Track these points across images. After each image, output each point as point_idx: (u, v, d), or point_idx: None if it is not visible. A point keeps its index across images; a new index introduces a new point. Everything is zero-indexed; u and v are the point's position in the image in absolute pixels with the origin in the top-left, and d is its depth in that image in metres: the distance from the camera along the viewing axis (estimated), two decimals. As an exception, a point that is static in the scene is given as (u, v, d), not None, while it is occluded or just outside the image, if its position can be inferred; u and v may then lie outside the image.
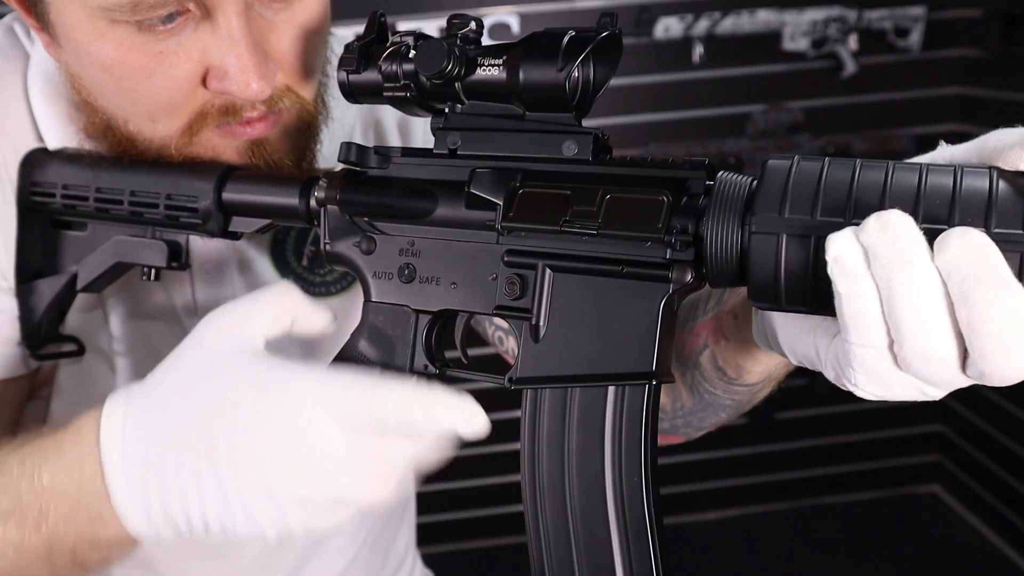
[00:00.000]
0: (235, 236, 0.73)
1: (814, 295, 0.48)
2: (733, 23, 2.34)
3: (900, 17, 2.39)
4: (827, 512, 2.76)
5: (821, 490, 2.78)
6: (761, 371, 0.70)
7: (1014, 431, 2.47)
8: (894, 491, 2.82)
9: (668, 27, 2.31)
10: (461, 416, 0.54)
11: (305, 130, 0.76)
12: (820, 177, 0.48)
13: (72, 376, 0.84)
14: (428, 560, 1.21)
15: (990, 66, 2.42)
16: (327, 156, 0.81)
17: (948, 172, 0.46)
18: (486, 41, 0.61)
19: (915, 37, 2.40)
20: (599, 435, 0.56)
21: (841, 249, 0.44)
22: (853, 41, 2.39)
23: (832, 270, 0.45)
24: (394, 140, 0.96)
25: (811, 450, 2.73)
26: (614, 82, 0.61)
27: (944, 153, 0.50)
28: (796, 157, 0.50)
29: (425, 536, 1.27)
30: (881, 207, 0.46)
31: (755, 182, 0.52)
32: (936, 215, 0.45)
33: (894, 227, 0.43)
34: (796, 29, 2.37)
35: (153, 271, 0.75)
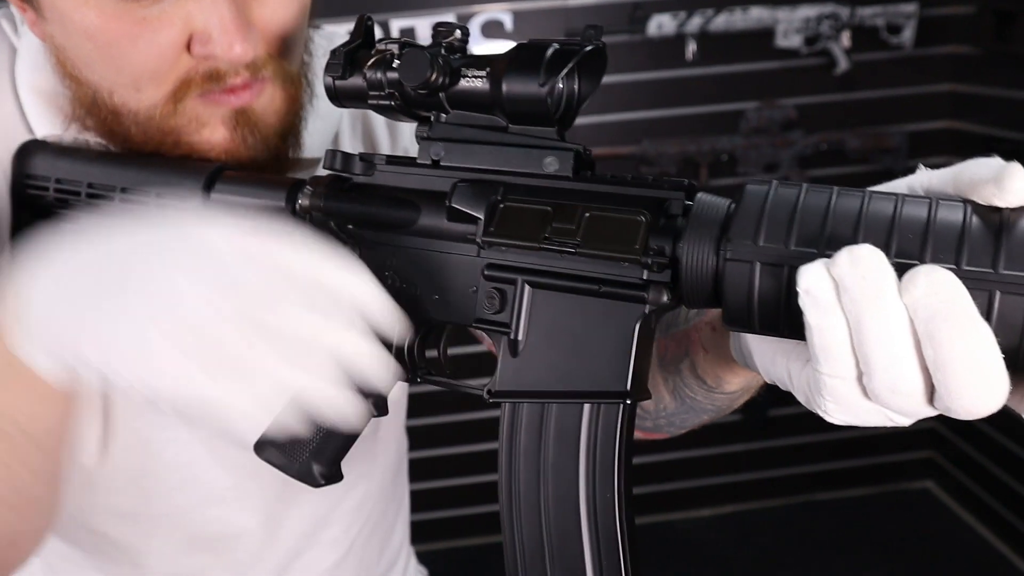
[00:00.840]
0: None
1: (787, 322, 0.49)
2: (726, 20, 2.34)
3: (892, 14, 2.40)
4: (821, 508, 2.77)
5: (815, 486, 2.79)
6: (739, 382, 0.71)
7: (1007, 427, 2.47)
8: (888, 487, 2.82)
9: (661, 24, 2.31)
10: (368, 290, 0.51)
11: (290, 102, 0.76)
12: (796, 205, 0.48)
13: None
14: (422, 557, 1.21)
15: (982, 63, 2.43)
16: (311, 147, 0.81)
17: (923, 204, 0.46)
18: (481, 43, 0.61)
19: (907, 34, 2.41)
20: (574, 450, 0.56)
21: (812, 282, 0.44)
22: (846, 38, 2.40)
23: (803, 301, 0.45)
24: (382, 134, 0.97)
25: (805, 446, 2.73)
26: (607, 79, 0.61)
27: (922, 179, 0.50)
28: (774, 183, 0.50)
29: (419, 533, 1.27)
30: (854, 239, 0.46)
31: (732, 205, 0.52)
32: (908, 249, 0.45)
33: (865, 262, 0.43)
34: (789, 26, 2.37)
35: None
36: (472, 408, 2.50)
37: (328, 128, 0.88)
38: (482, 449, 1.95)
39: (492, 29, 2.29)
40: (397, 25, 2.24)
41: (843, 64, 2.41)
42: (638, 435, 0.84)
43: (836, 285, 0.44)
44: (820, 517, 2.73)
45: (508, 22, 2.31)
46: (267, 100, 0.74)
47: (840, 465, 2.77)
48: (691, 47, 2.36)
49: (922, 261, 0.45)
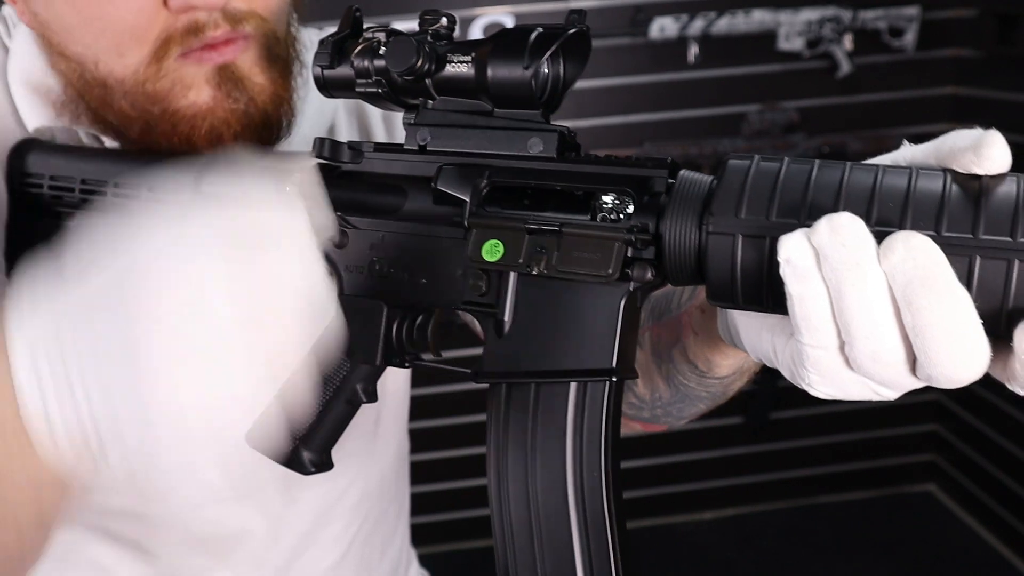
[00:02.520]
0: None
1: (770, 295, 0.49)
2: (728, 23, 2.34)
3: (895, 17, 2.40)
4: (823, 511, 2.76)
5: (817, 490, 2.79)
6: (730, 364, 0.71)
7: (1009, 430, 2.47)
8: (890, 490, 2.82)
9: (663, 27, 2.31)
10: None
11: (277, 61, 0.75)
12: (777, 177, 0.49)
13: None
14: (424, 560, 1.21)
15: (984, 66, 2.43)
16: (307, 140, 0.80)
17: (903, 174, 0.47)
18: (476, 34, 0.62)
19: (910, 37, 2.41)
20: (561, 430, 0.57)
21: (792, 251, 0.45)
22: (848, 41, 2.40)
23: (784, 271, 0.45)
24: (377, 127, 0.97)
25: (806, 450, 2.73)
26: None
27: (905, 153, 0.50)
28: (756, 157, 0.50)
29: (420, 536, 1.26)
30: (835, 209, 0.46)
31: (714, 181, 0.52)
32: (888, 218, 0.46)
33: (844, 230, 0.44)
34: (791, 29, 2.37)
35: None
36: (473, 411, 2.50)
37: (323, 122, 0.89)
38: (483, 452, 1.94)
39: (495, 32, 2.29)
40: (398, 27, 2.24)
41: (845, 67, 2.42)
42: (638, 427, 0.85)
43: (816, 254, 0.44)
44: (822, 520, 2.73)
45: (510, 25, 2.30)
46: (252, 58, 0.74)
47: (842, 468, 2.76)
48: (693, 50, 2.36)
49: (901, 228, 0.45)
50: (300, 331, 0.51)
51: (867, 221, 0.45)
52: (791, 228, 0.46)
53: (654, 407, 0.81)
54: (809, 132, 2.47)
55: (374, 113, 0.98)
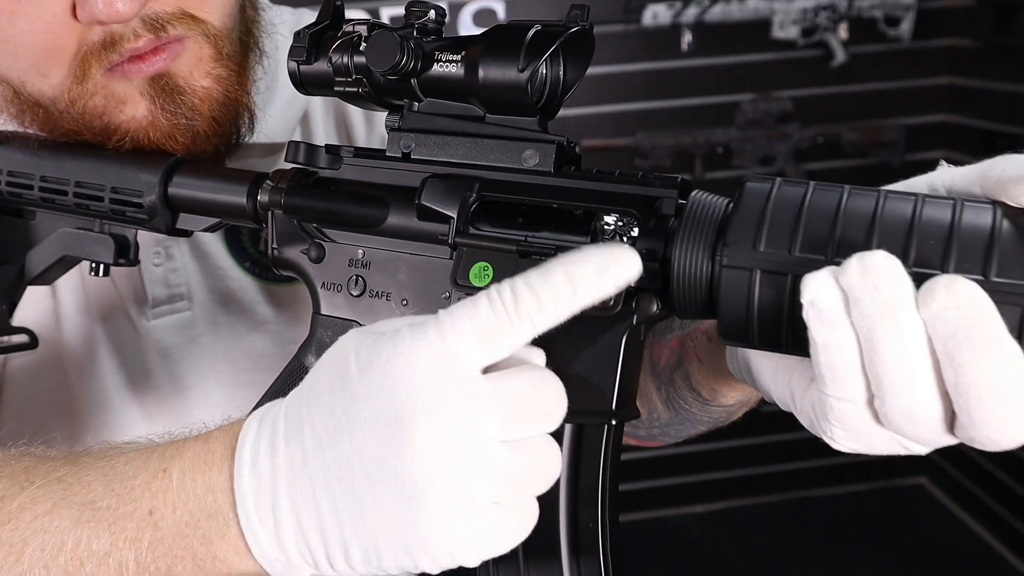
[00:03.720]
0: (185, 233, 0.69)
1: (790, 338, 0.44)
2: (722, 10, 2.31)
3: (891, 6, 2.37)
4: (815, 504, 2.75)
5: (808, 482, 2.78)
6: (737, 396, 0.67)
7: (1002, 423, 2.45)
8: (881, 483, 2.81)
9: (656, 14, 2.29)
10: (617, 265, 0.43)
11: (225, 57, 0.68)
12: (801, 205, 0.44)
13: (22, 372, 0.81)
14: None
15: (981, 56, 2.41)
16: (276, 130, 0.76)
17: (946, 206, 0.42)
18: (467, 27, 0.57)
19: (905, 26, 2.38)
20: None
21: (818, 292, 0.40)
22: (843, 30, 2.38)
23: (808, 315, 0.40)
24: (356, 117, 0.91)
25: (798, 443, 2.71)
26: (601, 70, 0.57)
27: (943, 177, 0.46)
28: (777, 181, 0.46)
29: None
30: (867, 245, 0.42)
31: (730, 205, 0.47)
32: (929, 257, 0.41)
33: (878, 271, 0.39)
34: (786, 17, 2.35)
35: (101, 267, 0.71)
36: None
37: (295, 110, 0.83)
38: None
39: (484, 18, 2.26)
40: (387, 14, 2.21)
41: (840, 56, 2.39)
42: (631, 441, 0.81)
43: (845, 296, 0.40)
44: (814, 513, 2.72)
45: (501, 11, 2.27)
46: (190, 62, 0.66)
47: (834, 461, 2.74)
48: (686, 38, 2.33)
49: (944, 271, 0.40)
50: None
51: (904, 261, 0.40)
52: (817, 265, 0.42)
53: (651, 427, 0.78)
54: (803, 122, 2.45)
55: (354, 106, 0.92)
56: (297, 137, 0.86)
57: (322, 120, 0.89)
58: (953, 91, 2.50)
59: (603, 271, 0.43)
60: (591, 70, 0.57)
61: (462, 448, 0.42)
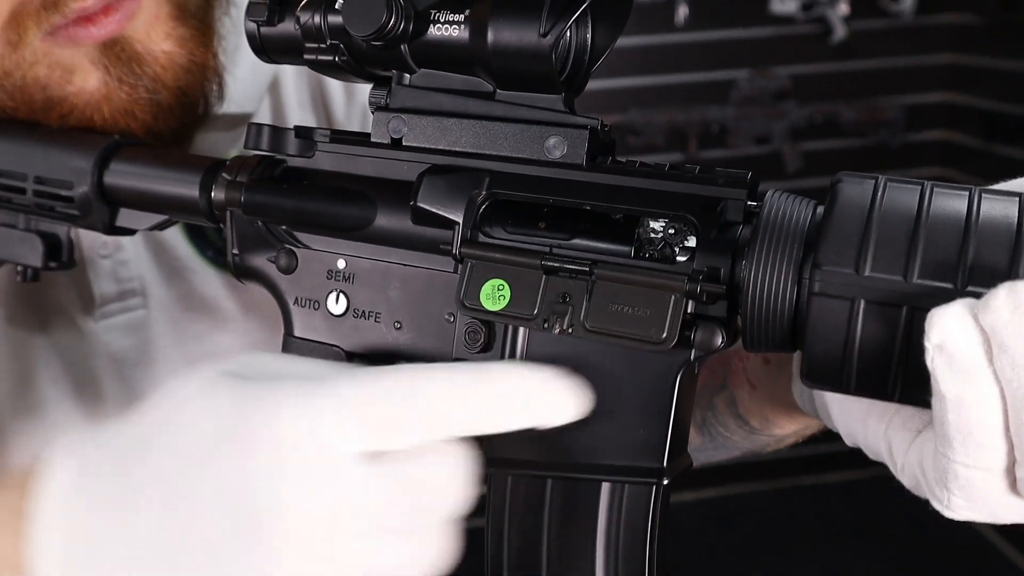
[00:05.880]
0: (128, 232, 0.60)
1: (900, 385, 0.36)
2: (719, -17, 2.27)
3: (893, -20, 2.33)
4: (805, 492, 2.73)
5: (800, 470, 2.75)
6: (795, 428, 0.58)
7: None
8: (875, 471, 2.72)
9: (651, -14, 2.23)
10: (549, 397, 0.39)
11: (189, 14, 0.59)
12: (920, 215, 0.35)
13: None
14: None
15: (985, 33, 2.36)
16: (242, 97, 0.66)
17: None
18: None
19: (907, 1, 2.35)
20: (589, 540, 0.43)
21: (950, 334, 0.32)
22: (843, 4, 2.34)
23: (934, 362, 0.32)
24: (336, 91, 0.80)
25: (792, 430, 2.69)
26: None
27: None
28: (882, 180, 0.37)
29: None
30: (1013, 271, 0.33)
31: (819, 210, 0.39)
32: None
33: None
34: (785, -9, 2.31)
35: (29, 271, 0.61)
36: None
37: (264, 74, 0.73)
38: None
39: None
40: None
41: (839, 32, 2.35)
42: None
43: (987, 339, 0.32)
44: (806, 502, 2.69)
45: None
46: (147, 23, 0.57)
47: (826, 448, 2.68)
48: (681, 11, 2.30)
49: None
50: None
51: None
52: (944, 297, 0.33)
53: None
54: (800, 100, 2.41)
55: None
56: (266, 108, 0.76)
57: (294, 87, 0.78)
58: (954, 70, 2.46)
59: (527, 408, 0.38)
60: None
61: (337, 556, 0.37)
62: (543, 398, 0.38)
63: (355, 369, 0.39)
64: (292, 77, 0.78)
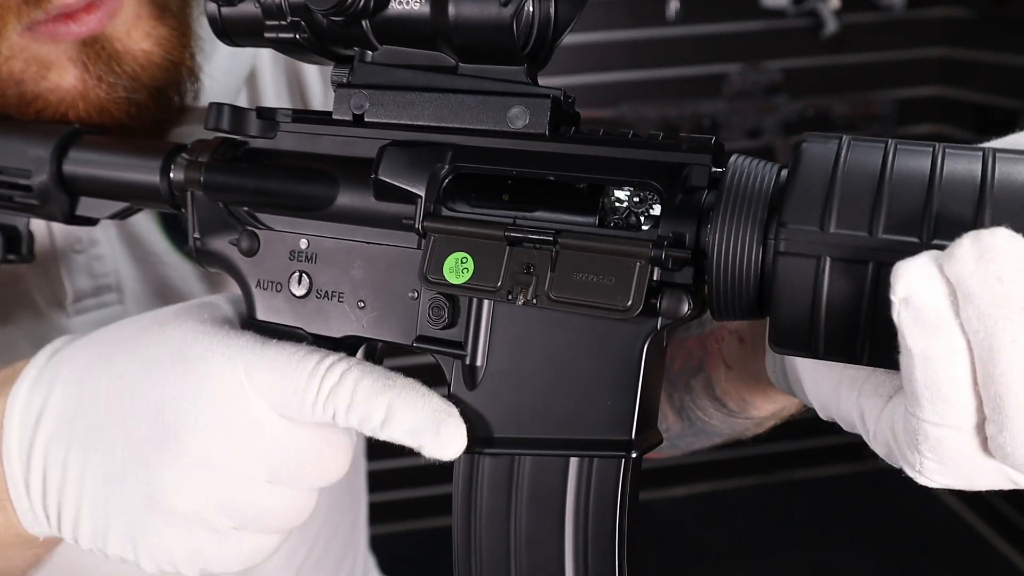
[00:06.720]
0: (89, 222, 0.59)
1: (869, 345, 0.35)
2: (710, -24, 2.27)
3: (884, -27, 2.33)
4: (799, 487, 2.73)
5: (792, 465, 2.75)
6: (772, 408, 0.58)
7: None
8: (867, 465, 2.79)
9: (641, -20, 2.24)
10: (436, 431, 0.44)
11: (163, 17, 0.59)
12: (884, 171, 0.34)
13: None
14: (373, 541, 1.11)
15: (977, 27, 2.36)
16: (218, 91, 0.65)
17: None
18: None
19: (899, -5, 2.35)
20: (557, 520, 0.43)
21: (915, 286, 0.31)
22: (835, -2, 2.34)
23: (900, 316, 0.32)
24: (313, 77, 0.80)
25: (781, 424, 2.68)
26: (581, 38, 0.47)
27: None
28: (845, 139, 0.36)
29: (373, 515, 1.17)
30: (978, 221, 0.32)
31: (783, 172, 0.38)
32: None
33: (1001, 255, 0.30)
34: (776, -16, 2.31)
35: None
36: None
37: (240, 67, 0.72)
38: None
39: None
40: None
41: (831, 25, 2.35)
42: None
43: (953, 291, 0.31)
44: (798, 496, 2.69)
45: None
46: (127, 21, 0.57)
47: (819, 443, 2.71)
48: (673, 5, 2.30)
49: None
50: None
51: None
52: (910, 250, 0.33)
53: None
54: (792, 94, 2.41)
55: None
56: (243, 100, 0.75)
57: (271, 78, 0.78)
58: (946, 63, 2.46)
59: (422, 431, 0.44)
60: (571, 37, 0.47)
61: (224, 482, 0.46)
62: (429, 432, 0.43)
63: (298, 346, 0.47)
64: (269, 68, 0.77)
